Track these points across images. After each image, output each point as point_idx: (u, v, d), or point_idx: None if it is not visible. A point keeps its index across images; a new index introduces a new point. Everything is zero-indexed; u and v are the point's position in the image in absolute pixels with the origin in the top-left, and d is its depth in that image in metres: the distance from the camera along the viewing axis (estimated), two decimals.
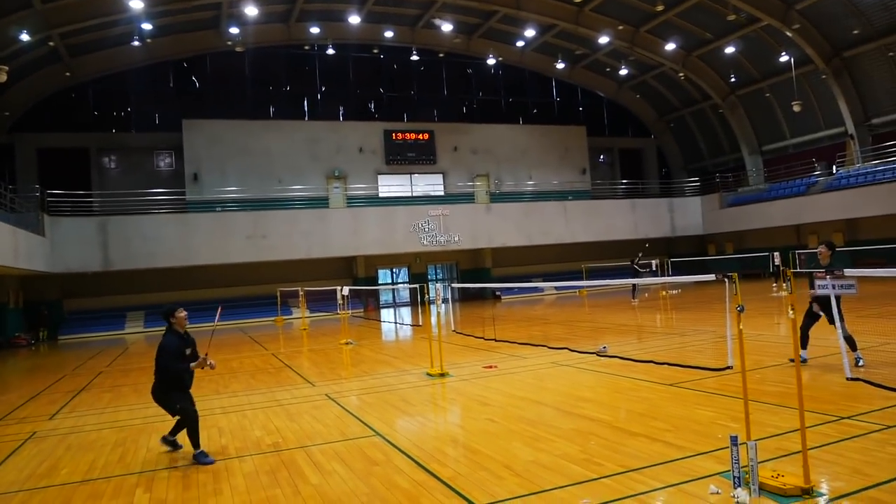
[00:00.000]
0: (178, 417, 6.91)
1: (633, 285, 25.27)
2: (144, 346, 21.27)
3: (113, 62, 30.50)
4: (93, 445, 7.71)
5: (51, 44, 26.70)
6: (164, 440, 7.18)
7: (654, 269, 27.86)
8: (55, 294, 27.59)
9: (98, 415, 9.71)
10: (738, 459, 4.69)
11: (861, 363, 8.72)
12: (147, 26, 27.96)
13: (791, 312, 4.88)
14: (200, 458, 6.54)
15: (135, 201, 28.56)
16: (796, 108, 31.27)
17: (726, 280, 5.46)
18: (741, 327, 5.12)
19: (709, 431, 6.34)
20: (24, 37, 24.19)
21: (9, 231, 19.54)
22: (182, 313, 6.94)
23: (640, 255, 27.76)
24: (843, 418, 6.48)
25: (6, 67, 23.96)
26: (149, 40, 29.40)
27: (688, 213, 36.69)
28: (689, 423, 6.70)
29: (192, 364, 6.86)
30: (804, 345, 9.36)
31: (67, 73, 29.40)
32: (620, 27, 32.92)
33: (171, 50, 31.42)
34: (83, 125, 30.57)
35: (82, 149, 30.49)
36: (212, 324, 8.10)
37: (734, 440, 4.70)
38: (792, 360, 8.98)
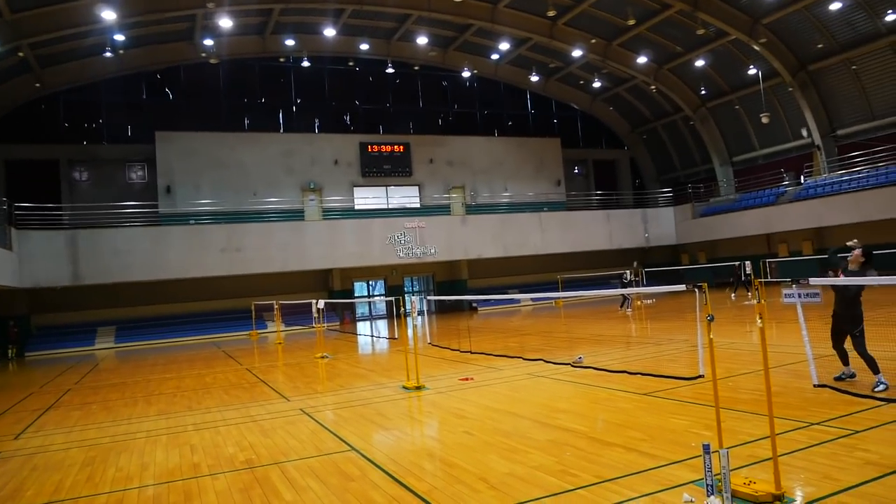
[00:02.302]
0: None
1: (623, 296, 26.08)
2: (115, 361, 20.57)
3: (85, 73, 30.10)
4: (60, 465, 7.51)
5: (20, 54, 26.15)
6: None
7: (630, 280, 28.16)
8: (22, 309, 26.96)
9: (66, 433, 9.48)
10: (710, 467, 4.72)
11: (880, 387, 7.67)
12: (120, 37, 27.57)
13: (759, 321, 4.95)
14: None
15: (106, 214, 28.05)
16: (765, 120, 31.96)
17: (696, 290, 5.53)
18: (712, 336, 5.18)
19: (683, 440, 6.39)
20: None
21: None
22: None
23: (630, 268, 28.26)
24: (812, 424, 6.58)
25: None
26: (121, 51, 28.94)
27: (661, 224, 37.11)
28: (663, 433, 6.76)
29: None
30: (845, 360, 8.37)
31: (37, 84, 28.87)
32: (593, 41, 33.36)
33: (145, 61, 31.10)
34: (53, 136, 29.97)
35: (52, 161, 29.87)
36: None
37: (706, 448, 4.74)
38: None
